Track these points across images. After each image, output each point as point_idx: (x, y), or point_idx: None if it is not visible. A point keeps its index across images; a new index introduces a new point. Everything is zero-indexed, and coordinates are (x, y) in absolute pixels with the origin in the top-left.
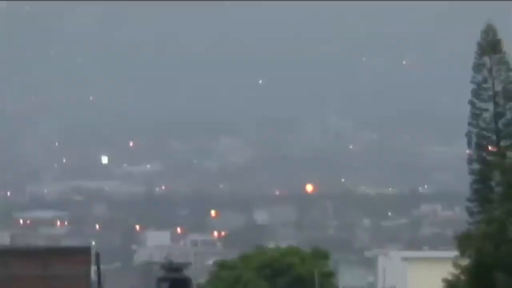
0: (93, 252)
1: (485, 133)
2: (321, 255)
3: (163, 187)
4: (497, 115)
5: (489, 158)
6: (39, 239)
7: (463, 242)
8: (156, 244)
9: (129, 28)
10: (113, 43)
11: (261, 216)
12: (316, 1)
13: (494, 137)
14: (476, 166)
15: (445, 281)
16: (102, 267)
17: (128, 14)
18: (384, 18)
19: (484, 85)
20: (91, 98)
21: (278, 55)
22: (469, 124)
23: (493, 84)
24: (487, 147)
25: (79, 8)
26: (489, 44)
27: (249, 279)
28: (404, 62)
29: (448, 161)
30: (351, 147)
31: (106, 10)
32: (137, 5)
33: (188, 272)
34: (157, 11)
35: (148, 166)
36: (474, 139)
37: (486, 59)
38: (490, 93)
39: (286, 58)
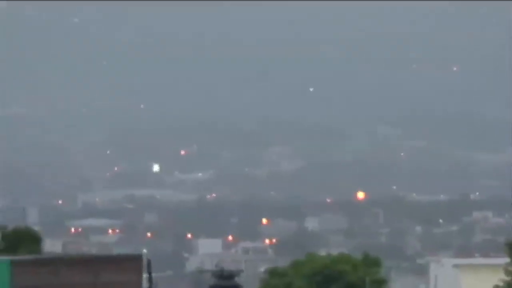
0: (144, 260)
1: None
2: (372, 262)
3: (214, 195)
4: None
5: None
6: (91, 247)
7: None
8: (208, 251)
9: (177, 36)
10: (165, 52)
11: (312, 223)
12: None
13: None
14: None
15: (497, 287)
16: (153, 275)
17: (179, 22)
18: (432, 25)
19: None
20: (142, 106)
21: (328, 64)
22: None
23: None
24: None
25: (126, 18)
26: None
27: (300, 286)
28: (454, 69)
29: (499, 168)
30: (402, 154)
31: (153, 19)
32: (188, 10)
33: (239, 280)
34: (207, 15)
35: (200, 174)
36: None
37: None
38: None
39: (335, 67)
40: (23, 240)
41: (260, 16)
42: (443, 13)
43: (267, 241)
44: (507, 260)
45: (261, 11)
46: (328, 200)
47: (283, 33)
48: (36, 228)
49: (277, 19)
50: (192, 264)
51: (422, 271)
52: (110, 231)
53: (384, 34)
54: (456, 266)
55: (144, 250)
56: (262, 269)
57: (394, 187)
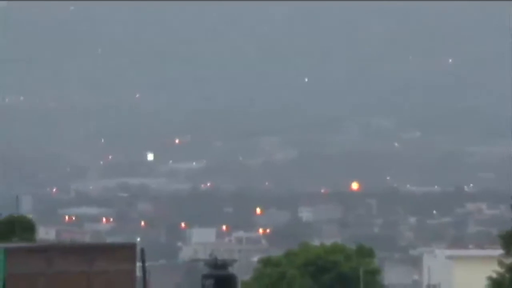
0: (138, 249)
1: None
2: (366, 253)
3: (208, 184)
4: None
5: None
6: (84, 236)
7: (508, 240)
8: (201, 241)
9: (168, 27)
10: (158, 42)
11: (306, 214)
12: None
13: None
14: None
15: (490, 279)
16: (147, 263)
17: (166, 13)
18: (426, 16)
19: None
20: (137, 95)
21: (323, 54)
22: None
23: None
24: None
25: (119, 9)
26: None
27: (293, 276)
28: (450, 61)
29: (493, 160)
30: (396, 145)
31: (145, 10)
32: (174, 5)
33: (233, 269)
34: (196, 10)
35: (194, 163)
36: None
37: None
38: None
39: (329, 57)
40: (17, 228)
41: (247, 11)
42: (438, 5)
43: (260, 230)
44: (501, 251)
45: (246, 6)
46: (322, 191)
47: (277, 26)
48: (29, 216)
49: (271, 13)
50: (185, 254)
51: (415, 262)
52: (103, 219)
53: (379, 26)
54: (449, 257)
55: (138, 239)
56: (255, 258)
57: (388, 178)
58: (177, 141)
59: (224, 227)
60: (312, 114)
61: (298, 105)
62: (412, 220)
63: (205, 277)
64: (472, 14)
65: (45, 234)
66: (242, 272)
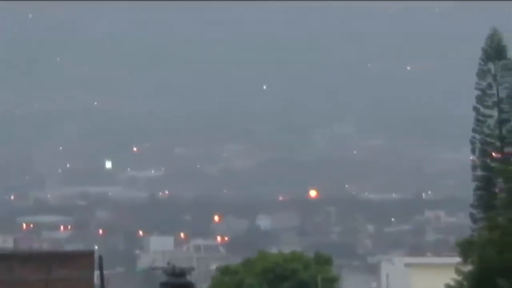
0: (96, 256)
1: (489, 139)
2: (324, 260)
3: (166, 192)
4: (501, 122)
5: (493, 164)
6: (43, 243)
7: (466, 248)
8: (159, 249)
9: (133, 33)
10: (118, 48)
11: (264, 221)
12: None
13: (498, 144)
14: (479, 172)
15: (448, 286)
16: (105, 271)
17: (132, 19)
18: (388, 23)
19: (489, 92)
20: (95, 103)
21: (282, 60)
22: (473, 130)
23: (497, 90)
24: (491, 154)
25: (86, 15)
26: (494, 51)
27: (251, 284)
28: (408, 68)
29: (452, 167)
30: (355, 152)
31: (113, 16)
32: (136, 10)
33: (191, 277)
34: (155, 15)
35: (152, 171)
36: (478, 146)
37: (491, 66)
38: (495, 99)
39: (290, 63)
40: None
41: (208, 16)
42: (401, 13)
43: (219, 238)
44: (459, 259)
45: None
46: (281, 198)
47: (241, 32)
48: None
49: (230, 19)
50: (143, 262)
51: (373, 270)
52: (61, 227)
53: (341, 33)
54: (407, 265)
55: (96, 247)
56: (213, 267)
57: (347, 186)
58: (135, 149)
59: (182, 235)
60: (273, 122)
61: (258, 113)
62: (371, 227)
63: (163, 285)
64: (432, 23)
65: (3, 242)
66: (201, 280)
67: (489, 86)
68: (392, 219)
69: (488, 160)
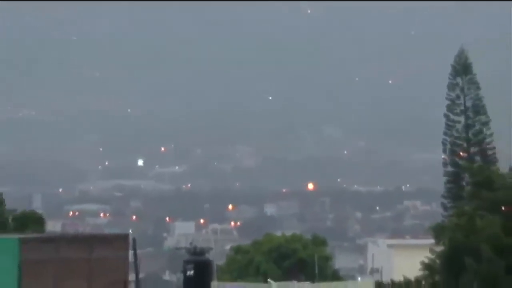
0: (130, 239)
1: (457, 141)
2: (320, 242)
3: (188, 185)
4: (468, 127)
5: (460, 162)
6: (86, 228)
7: (438, 232)
8: (183, 232)
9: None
10: (154, 62)
11: (270, 209)
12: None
13: (464, 145)
14: (449, 168)
15: (423, 264)
16: (137, 251)
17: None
18: (373, 35)
19: (457, 101)
20: (129, 110)
21: (285, 72)
22: (444, 133)
23: (464, 100)
24: (459, 153)
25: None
26: (462, 67)
27: (259, 261)
28: (390, 82)
29: (427, 165)
30: (345, 152)
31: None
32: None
33: (209, 256)
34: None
35: (176, 167)
36: (448, 146)
37: (458, 80)
38: (462, 108)
39: (291, 74)
40: (30, 221)
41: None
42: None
43: (232, 223)
44: (432, 241)
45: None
46: (284, 190)
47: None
48: (40, 212)
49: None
50: (169, 243)
51: (361, 250)
52: (102, 214)
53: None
54: (390, 246)
55: (130, 231)
56: (228, 247)
57: (339, 180)
58: (162, 149)
59: (202, 221)
60: (274, 126)
61: (263, 119)
62: (359, 214)
63: (186, 262)
64: (411, 36)
65: (53, 227)
66: (217, 258)
67: (457, 96)
68: (377, 207)
69: (457, 159)
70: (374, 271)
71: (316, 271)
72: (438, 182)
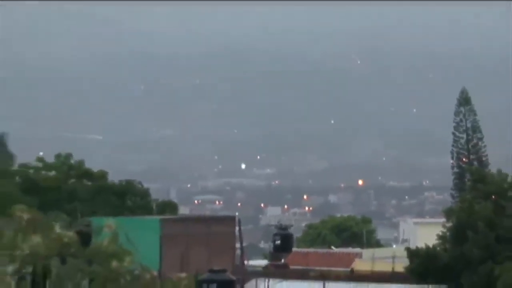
0: (236, 219)
1: (461, 151)
2: (367, 220)
3: (276, 182)
4: (468, 141)
5: (463, 165)
6: (206, 212)
7: (448, 213)
8: (273, 214)
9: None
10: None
11: (332, 198)
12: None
13: (466, 153)
14: (456, 170)
15: (438, 236)
16: (241, 228)
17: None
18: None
19: (461, 123)
20: (235, 131)
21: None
22: (452, 145)
23: (465, 123)
24: (462, 159)
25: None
26: (463, 100)
27: (326, 234)
28: (414, 110)
29: (440, 167)
30: (384, 159)
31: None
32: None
33: (291, 230)
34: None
35: (268, 170)
36: (455, 154)
37: (461, 108)
38: (464, 128)
39: (348, 102)
40: (167, 207)
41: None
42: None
43: (307, 208)
44: (444, 220)
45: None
46: (342, 185)
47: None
48: (174, 201)
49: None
50: (263, 221)
51: (395, 226)
52: (217, 202)
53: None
54: (415, 223)
55: (236, 213)
56: (303, 224)
57: (379, 178)
58: (258, 157)
59: (285, 207)
60: (334, 138)
61: (327, 135)
62: (393, 202)
63: (275, 235)
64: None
65: (183, 211)
66: (296, 232)
67: (461, 120)
68: (406, 197)
69: (460, 163)
70: (404, 241)
71: (365, 241)
72: (448, 179)
